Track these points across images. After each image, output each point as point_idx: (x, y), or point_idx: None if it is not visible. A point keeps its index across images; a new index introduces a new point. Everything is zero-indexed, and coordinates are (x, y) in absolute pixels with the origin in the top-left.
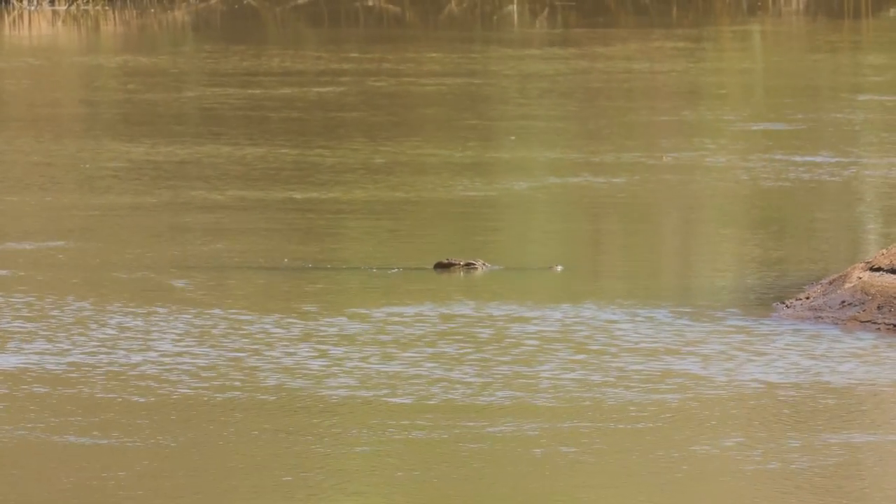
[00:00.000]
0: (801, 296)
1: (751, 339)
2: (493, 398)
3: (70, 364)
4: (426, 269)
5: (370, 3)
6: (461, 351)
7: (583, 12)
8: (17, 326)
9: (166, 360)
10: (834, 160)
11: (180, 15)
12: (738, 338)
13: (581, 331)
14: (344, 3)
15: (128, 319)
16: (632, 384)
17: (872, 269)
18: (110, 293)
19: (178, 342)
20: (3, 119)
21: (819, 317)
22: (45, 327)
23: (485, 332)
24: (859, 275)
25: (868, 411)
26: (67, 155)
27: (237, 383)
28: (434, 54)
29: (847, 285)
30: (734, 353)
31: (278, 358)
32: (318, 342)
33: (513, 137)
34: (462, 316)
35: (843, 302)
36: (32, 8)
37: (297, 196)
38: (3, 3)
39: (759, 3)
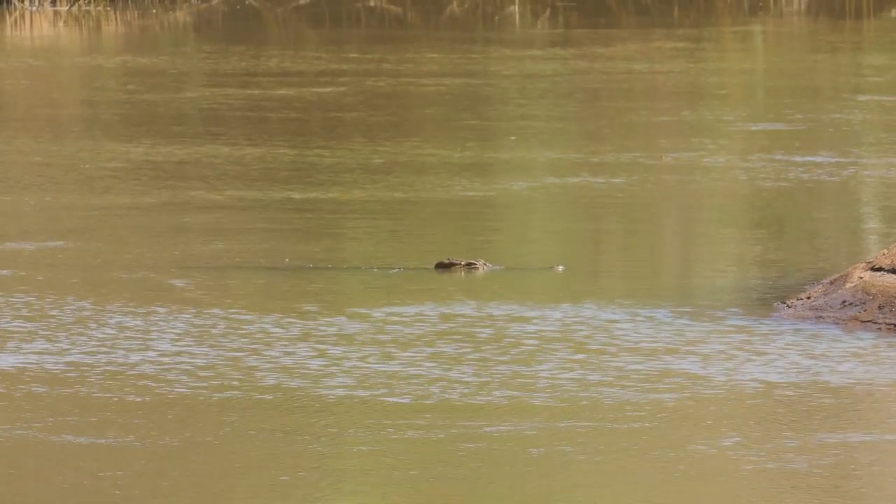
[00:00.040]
0: (802, 295)
1: (751, 339)
2: (491, 398)
3: (68, 364)
4: (427, 269)
5: (371, 4)
6: (460, 350)
7: (584, 13)
8: (17, 326)
9: (165, 359)
10: (834, 160)
11: (182, 15)
12: (738, 337)
13: (581, 330)
14: (345, 3)
15: (127, 319)
16: (631, 384)
17: (873, 269)
18: (110, 293)
19: (177, 342)
20: (3, 119)
21: (820, 316)
22: (44, 327)
23: (484, 332)
24: (860, 275)
25: (867, 411)
26: (66, 155)
27: (235, 383)
28: (434, 55)
29: (848, 285)
30: (734, 352)
31: (277, 357)
32: (317, 342)
33: (513, 137)
34: (462, 316)
35: (844, 302)
36: (34, 8)
37: (297, 196)
38: (5, 4)
39: (761, 4)
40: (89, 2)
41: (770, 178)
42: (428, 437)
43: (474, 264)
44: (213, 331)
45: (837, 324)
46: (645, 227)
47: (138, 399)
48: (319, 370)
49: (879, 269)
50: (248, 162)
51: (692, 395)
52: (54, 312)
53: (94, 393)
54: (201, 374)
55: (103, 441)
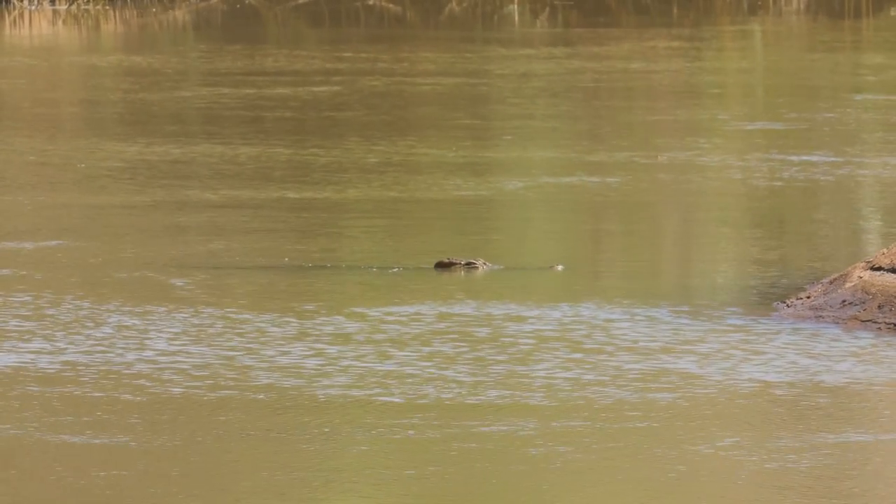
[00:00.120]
0: (802, 295)
1: (749, 339)
2: (487, 397)
3: (65, 363)
4: (426, 269)
5: (371, 3)
6: (458, 350)
7: (583, 12)
8: (14, 325)
9: (162, 359)
10: (831, 160)
11: (181, 14)
12: (737, 337)
13: (579, 330)
14: (344, 2)
15: (125, 318)
16: (629, 383)
17: (873, 269)
18: (108, 292)
19: (175, 341)
20: None
21: (820, 316)
22: (41, 326)
23: (483, 332)
24: (860, 274)
25: (865, 411)
26: (62, 154)
27: (231, 382)
28: (433, 54)
29: (848, 284)
30: (733, 352)
31: (274, 357)
32: (316, 341)
33: (508, 137)
34: (461, 315)
35: (844, 301)
36: (33, 7)
37: (293, 195)
38: (4, 3)
39: (760, 3)
40: (88, 1)
41: (768, 177)
42: (423, 436)
43: (474, 264)
44: (211, 330)
45: (837, 323)
46: (644, 227)
47: (135, 399)
48: (316, 370)
49: (879, 269)
50: (242, 161)
51: (690, 394)
52: (52, 312)
53: (90, 392)
54: (198, 373)
55: (101, 441)
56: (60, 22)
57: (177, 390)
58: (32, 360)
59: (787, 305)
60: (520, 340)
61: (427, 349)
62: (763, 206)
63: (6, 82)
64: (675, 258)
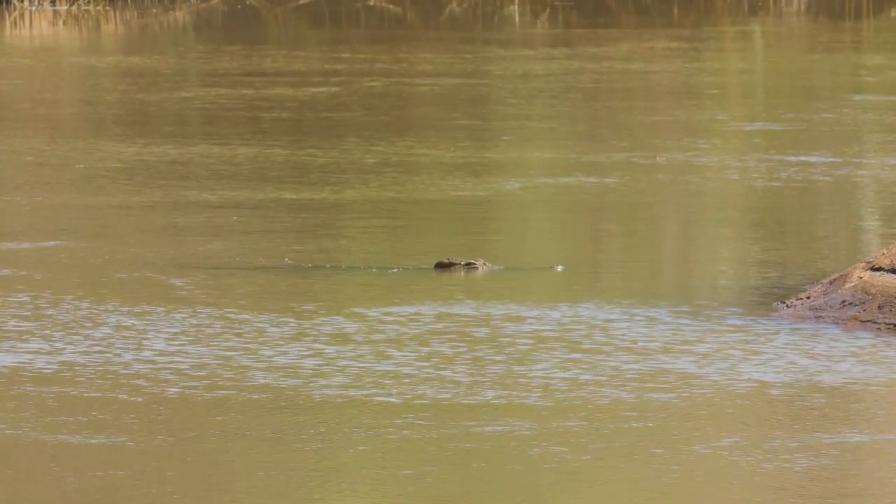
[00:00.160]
0: (802, 295)
1: (749, 339)
2: (485, 397)
3: (63, 363)
4: (426, 269)
5: (371, 3)
6: (457, 350)
7: (584, 12)
8: (13, 325)
9: (161, 359)
10: (830, 160)
11: (181, 15)
12: (737, 337)
13: (578, 330)
14: (345, 3)
15: (124, 319)
16: (627, 384)
17: (873, 269)
18: (107, 292)
19: (173, 342)
20: None
21: (819, 316)
22: (40, 326)
23: (482, 332)
24: (860, 274)
25: (863, 411)
26: (59, 155)
27: (229, 382)
28: (432, 55)
29: (848, 285)
30: (732, 352)
31: (272, 357)
32: (314, 342)
33: (508, 137)
34: (461, 315)
35: (844, 301)
36: (33, 8)
37: (294, 196)
38: (4, 4)
39: (760, 4)
40: (88, 1)
41: (767, 178)
42: (422, 436)
43: (474, 264)
44: (210, 330)
45: (837, 324)
46: (643, 227)
47: (132, 399)
48: (314, 370)
49: (879, 269)
50: (240, 162)
51: (688, 394)
52: (50, 312)
53: (88, 392)
54: (196, 374)
55: (96, 441)
56: (61, 23)
57: (175, 390)
58: (30, 360)
59: (787, 306)
60: (519, 341)
61: (425, 349)
62: (762, 207)
63: (5, 83)
64: (674, 259)
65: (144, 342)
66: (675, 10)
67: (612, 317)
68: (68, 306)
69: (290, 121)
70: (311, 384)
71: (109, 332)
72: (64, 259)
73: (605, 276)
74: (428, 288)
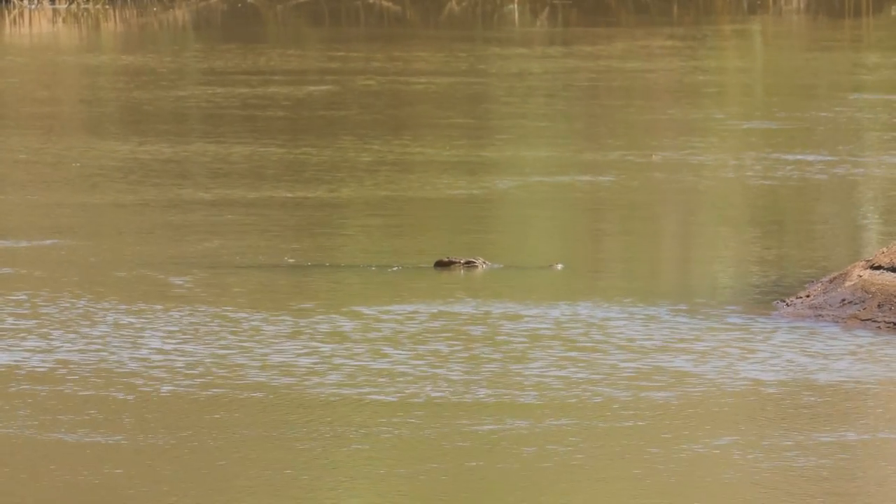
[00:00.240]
0: (802, 294)
1: (747, 337)
2: (483, 396)
3: (59, 361)
4: (426, 268)
5: (371, 1)
6: (455, 349)
7: (583, 11)
8: (10, 324)
9: (158, 358)
10: (827, 158)
11: (181, 14)
12: (735, 335)
13: (577, 329)
14: (344, 1)
15: (121, 317)
16: (624, 382)
17: (873, 268)
18: (105, 291)
19: (171, 340)
20: None
21: (819, 315)
22: (37, 325)
23: (481, 330)
24: (860, 273)
25: (861, 409)
26: (55, 153)
27: (226, 381)
28: (430, 53)
29: (847, 283)
30: (730, 350)
31: (268, 355)
32: (311, 340)
33: (506, 136)
34: (460, 314)
35: (844, 300)
36: (33, 6)
37: (291, 195)
38: (4, 2)
39: (760, 2)
40: (88, 0)
41: (764, 176)
42: (418, 435)
43: (474, 262)
44: (207, 329)
45: (837, 322)
46: (643, 226)
47: (128, 397)
48: (310, 368)
49: (879, 268)
50: (236, 160)
51: (685, 393)
52: (47, 310)
53: (85, 391)
54: (192, 372)
55: (92, 439)
56: (60, 21)
57: (170, 388)
58: (28, 358)
59: (787, 304)
60: (516, 339)
61: (423, 348)
62: (760, 205)
63: (1, 81)
64: (674, 257)
65: (141, 340)
66: (675, 9)
67: (611, 315)
68: (65, 304)
69: (286, 119)
70: (306, 382)
71: (106, 330)
72: (61, 257)
73: (604, 274)
74: (427, 286)
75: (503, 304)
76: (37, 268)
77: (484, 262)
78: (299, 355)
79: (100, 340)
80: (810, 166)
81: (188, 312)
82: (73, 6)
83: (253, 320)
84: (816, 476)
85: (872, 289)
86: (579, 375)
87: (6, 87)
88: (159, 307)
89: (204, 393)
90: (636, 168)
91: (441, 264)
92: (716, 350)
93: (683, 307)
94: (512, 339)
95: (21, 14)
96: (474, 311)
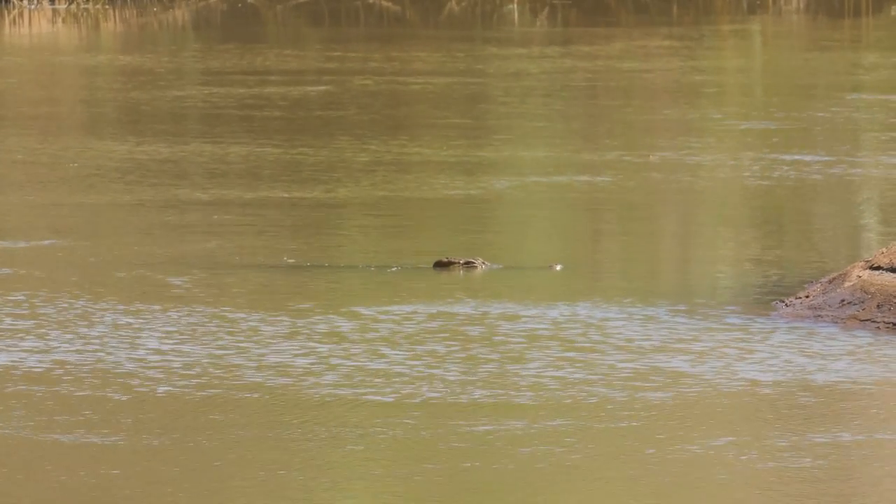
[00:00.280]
0: (801, 294)
1: (746, 338)
2: (478, 396)
3: (56, 362)
4: (425, 268)
5: (371, 1)
6: (452, 349)
7: (583, 11)
8: (8, 324)
9: (155, 358)
10: (824, 159)
11: (180, 14)
12: (734, 336)
13: (576, 329)
14: (344, 1)
15: (119, 317)
16: (621, 383)
17: (872, 268)
18: (103, 291)
19: (169, 340)
20: None
21: (818, 315)
22: (35, 325)
23: (480, 331)
24: (859, 273)
25: (858, 409)
26: (52, 153)
27: (223, 381)
28: (429, 53)
29: (847, 284)
30: (728, 350)
31: (265, 356)
32: (309, 340)
33: (505, 136)
34: (459, 314)
35: (843, 300)
36: (32, 7)
37: (289, 195)
38: (4, 2)
39: (759, 2)
40: (87, 0)
41: (762, 176)
42: (411, 435)
43: (473, 263)
44: (205, 329)
45: (836, 322)
46: (641, 226)
47: (126, 398)
48: (307, 368)
49: (878, 268)
50: (233, 160)
51: (682, 393)
52: (46, 310)
53: (82, 391)
54: (189, 372)
55: (89, 440)
56: (60, 21)
57: (166, 389)
58: (24, 358)
59: (786, 305)
60: (515, 340)
61: (421, 348)
62: (759, 206)
63: (0, 81)
64: (673, 257)
65: (138, 341)
66: (675, 9)
67: (610, 315)
68: (64, 304)
69: (283, 119)
70: (303, 383)
71: (104, 330)
72: (59, 257)
73: (603, 274)
74: (426, 287)
75: (502, 305)
76: (35, 268)
77: (483, 263)
78: (296, 356)
79: (97, 341)
80: (808, 166)
81: (186, 313)
82: (73, 6)
83: (251, 321)
84: (811, 476)
85: (872, 289)
86: (576, 376)
87: (4, 88)
88: (157, 307)
89: (200, 393)
90: (634, 168)
91: (440, 265)
92: (714, 350)
93: (682, 307)
94: (510, 339)
95: (21, 14)
96: (472, 312)
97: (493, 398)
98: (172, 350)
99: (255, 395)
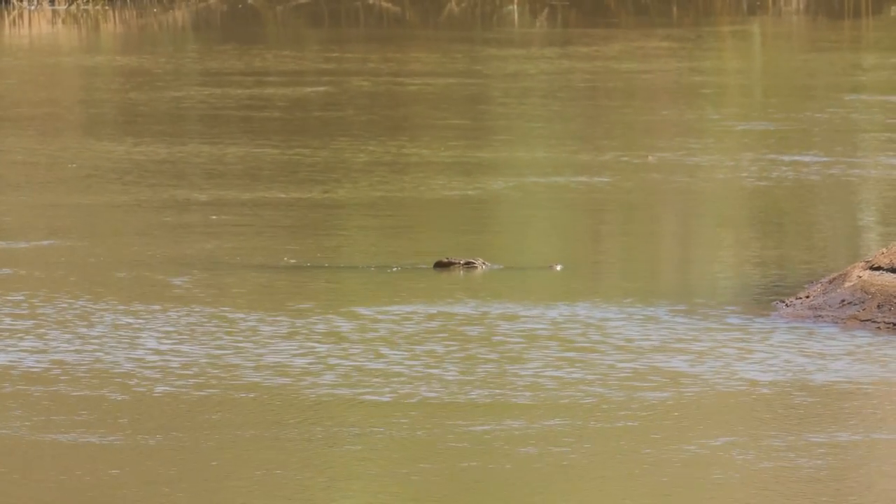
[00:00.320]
0: (801, 294)
1: (745, 338)
2: (477, 396)
3: (55, 362)
4: (425, 268)
5: (370, 2)
6: (451, 349)
7: (583, 12)
8: (7, 324)
9: (153, 358)
10: (823, 159)
11: (180, 15)
12: (733, 336)
13: (575, 329)
14: (344, 2)
15: (119, 317)
16: (620, 382)
17: (872, 268)
18: (103, 291)
19: (168, 340)
20: None
21: (819, 315)
22: (34, 325)
23: (479, 331)
24: (859, 273)
25: (857, 410)
26: (50, 154)
27: (221, 381)
28: (428, 54)
29: (847, 284)
30: (727, 351)
31: (264, 355)
32: (307, 340)
33: (504, 137)
34: (459, 314)
35: (843, 301)
36: (32, 8)
37: (287, 195)
38: (3, 3)
39: (759, 3)
40: (87, 1)
41: (760, 177)
42: (410, 435)
43: (473, 263)
44: (204, 329)
45: (836, 323)
46: (641, 226)
47: (124, 398)
48: (305, 368)
49: (878, 268)
50: (230, 161)
51: (682, 393)
52: (45, 310)
53: (80, 391)
54: (188, 372)
55: (87, 440)
56: (60, 22)
57: (166, 390)
58: (22, 358)
59: (786, 305)
60: (514, 340)
61: (420, 348)
62: (758, 206)
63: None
64: (673, 258)
65: (137, 341)
66: (675, 10)
67: (609, 316)
68: (63, 305)
69: (282, 120)
70: (301, 383)
71: (103, 330)
72: (58, 258)
73: (604, 275)
74: (426, 287)
75: (502, 305)
76: (34, 268)
77: (483, 263)
78: (295, 356)
79: (96, 341)
80: (807, 167)
81: (185, 313)
82: (73, 7)
83: (250, 321)
84: (809, 476)
85: (872, 289)
86: (575, 376)
87: (4, 88)
88: (156, 307)
89: (198, 393)
90: (632, 169)
91: (440, 265)
92: (713, 350)
93: (682, 308)
94: (509, 339)
95: (20, 15)
96: (472, 312)
97: (491, 398)
98: (171, 350)
99: (253, 395)
